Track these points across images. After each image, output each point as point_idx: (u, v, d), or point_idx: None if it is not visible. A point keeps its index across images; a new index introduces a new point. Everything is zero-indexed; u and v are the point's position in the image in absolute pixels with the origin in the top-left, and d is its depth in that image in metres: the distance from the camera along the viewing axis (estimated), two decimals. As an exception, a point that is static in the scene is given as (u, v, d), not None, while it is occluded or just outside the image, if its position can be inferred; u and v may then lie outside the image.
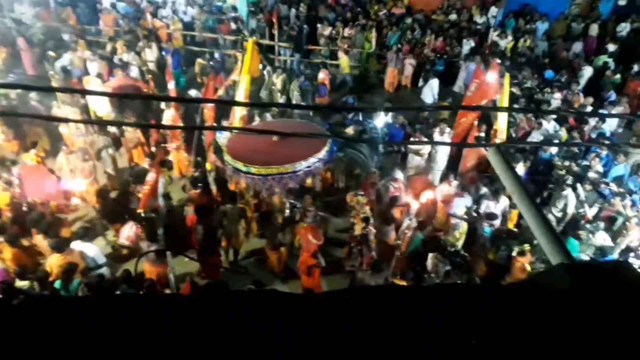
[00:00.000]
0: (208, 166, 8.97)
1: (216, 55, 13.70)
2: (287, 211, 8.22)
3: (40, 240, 7.16)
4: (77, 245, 7.04)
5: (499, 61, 13.22)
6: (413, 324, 1.21)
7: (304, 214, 7.63)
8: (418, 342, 1.15)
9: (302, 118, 8.83)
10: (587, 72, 13.14)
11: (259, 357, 1.10)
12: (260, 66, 10.93)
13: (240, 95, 9.18)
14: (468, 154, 9.38)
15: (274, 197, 8.59)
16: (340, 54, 14.34)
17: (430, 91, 13.02)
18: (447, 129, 10.10)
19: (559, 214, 8.62)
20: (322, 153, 6.11)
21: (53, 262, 6.56)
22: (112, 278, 6.77)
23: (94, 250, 7.08)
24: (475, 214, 8.13)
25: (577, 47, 14.54)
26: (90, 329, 1.15)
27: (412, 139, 10.23)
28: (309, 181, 6.47)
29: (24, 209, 7.82)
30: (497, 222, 8.13)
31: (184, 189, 9.20)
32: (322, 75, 12.74)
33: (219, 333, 1.15)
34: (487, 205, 8.26)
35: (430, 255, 7.14)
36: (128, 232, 7.48)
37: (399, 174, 8.87)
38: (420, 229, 7.60)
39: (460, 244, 7.90)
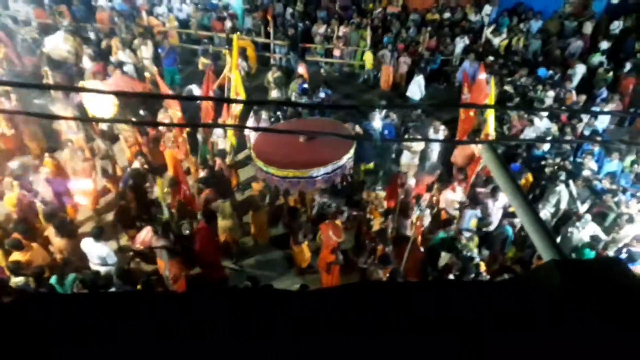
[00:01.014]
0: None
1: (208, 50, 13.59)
2: (315, 209, 8.14)
3: (52, 234, 7.15)
4: (87, 244, 7.02)
5: (492, 58, 13.36)
6: (405, 319, 1.22)
7: (336, 213, 7.58)
8: (409, 337, 1.16)
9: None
10: (581, 70, 13.20)
11: (253, 353, 1.10)
12: (239, 61, 10.73)
13: (232, 92, 9.16)
14: (460, 154, 9.46)
15: (292, 196, 8.62)
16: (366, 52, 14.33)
17: (418, 88, 12.85)
18: (442, 127, 10.17)
19: (552, 210, 8.73)
20: (344, 160, 5.92)
21: (15, 260, 6.53)
22: (106, 274, 6.70)
23: (105, 250, 6.99)
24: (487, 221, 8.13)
25: (574, 45, 14.65)
26: (84, 326, 1.13)
27: (405, 137, 10.26)
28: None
29: (36, 207, 7.72)
30: (517, 221, 8.06)
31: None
32: (301, 70, 12.31)
33: (213, 330, 1.15)
34: (485, 205, 8.29)
35: (443, 254, 7.11)
36: (144, 237, 7.32)
37: (411, 180, 8.81)
38: (441, 226, 7.61)
39: (475, 250, 7.66)
